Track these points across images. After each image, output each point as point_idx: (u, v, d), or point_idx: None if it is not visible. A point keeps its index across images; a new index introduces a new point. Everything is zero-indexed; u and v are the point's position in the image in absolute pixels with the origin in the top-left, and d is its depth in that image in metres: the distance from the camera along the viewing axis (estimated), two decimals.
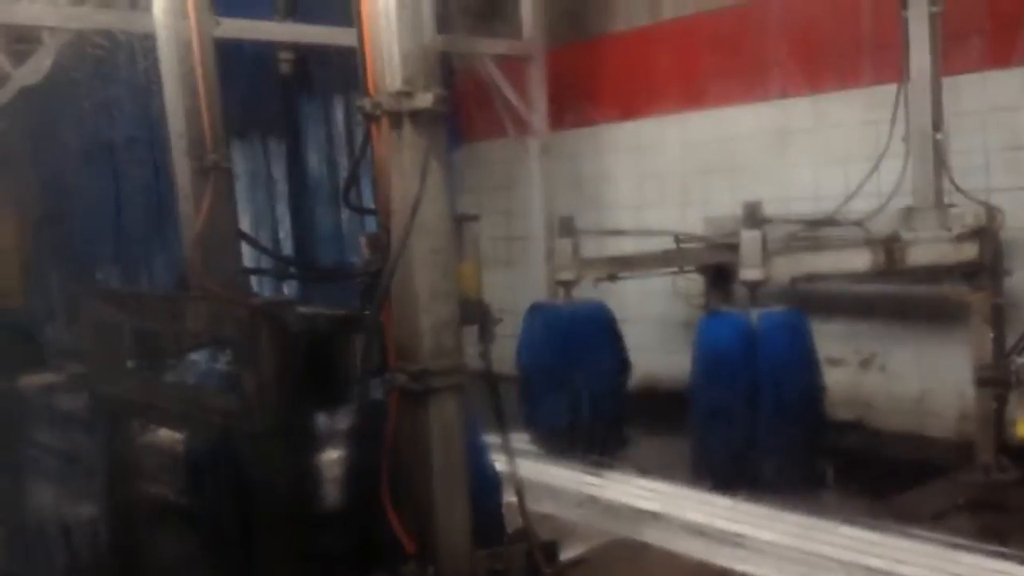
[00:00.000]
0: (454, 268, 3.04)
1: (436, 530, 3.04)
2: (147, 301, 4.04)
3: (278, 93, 7.17)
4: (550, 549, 3.49)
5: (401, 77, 2.83)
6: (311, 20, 6.66)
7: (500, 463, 4.01)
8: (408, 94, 2.83)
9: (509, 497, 4.00)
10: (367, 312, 3.32)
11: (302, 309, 3.50)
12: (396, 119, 2.85)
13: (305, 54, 7.14)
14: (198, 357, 4.38)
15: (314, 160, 7.45)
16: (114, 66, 5.53)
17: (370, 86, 2.91)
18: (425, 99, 2.82)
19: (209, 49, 3.38)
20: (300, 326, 3.31)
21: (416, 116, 2.84)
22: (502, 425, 3.31)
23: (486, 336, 3.17)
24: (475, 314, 3.13)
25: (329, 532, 3.37)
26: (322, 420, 3.58)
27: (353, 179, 3.33)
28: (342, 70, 7.27)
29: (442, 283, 2.98)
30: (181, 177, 3.52)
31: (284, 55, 6.97)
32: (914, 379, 6.67)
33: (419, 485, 3.07)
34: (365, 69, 2.90)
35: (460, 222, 3.08)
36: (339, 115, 7.43)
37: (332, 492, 3.65)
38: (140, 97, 5.38)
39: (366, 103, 2.91)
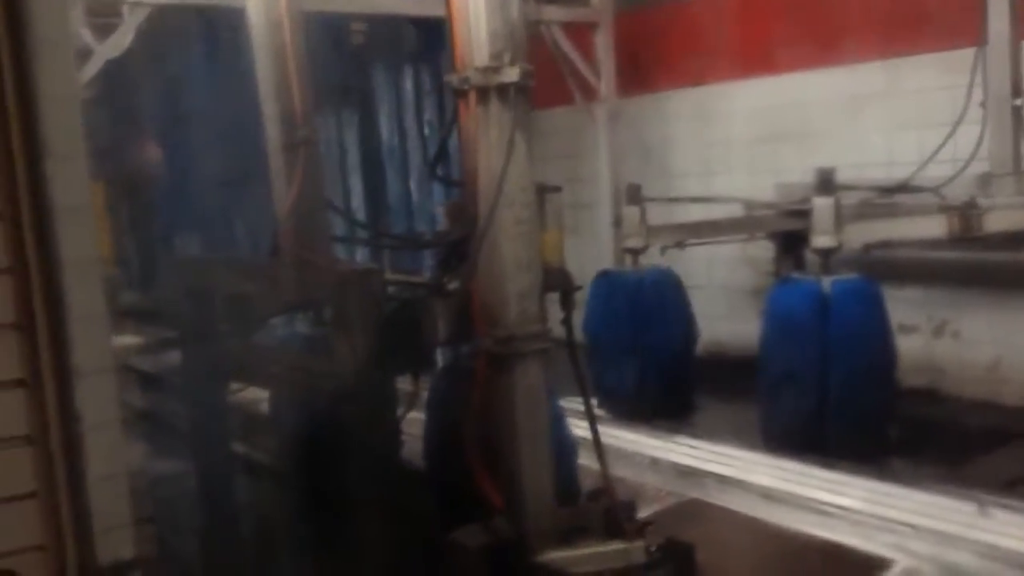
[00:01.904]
0: (537, 237, 3.12)
1: (522, 488, 3.16)
2: (240, 267, 4.20)
3: (350, 64, 7.28)
4: (628, 508, 3.58)
5: (488, 52, 2.91)
6: None
7: (576, 427, 4.14)
8: (495, 69, 2.91)
9: (582, 460, 4.13)
10: (449, 280, 3.45)
11: (388, 276, 3.63)
12: (483, 94, 2.94)
13: (376, 25, 7.23)
14: (284, 321, 4.57)
15: (384, 130, 7.55)
16: (195, 39, 5.68)
17: (457, 61, 3.00)
18: (512, 73, 2.90)
19: (299, 24, 3.49)
20: (388, 292, 3.44)
21: (503, 90, 2.92)
22: (584, 390, 3.40)
23: (568, 303, 3.26)
24: (558, 282, 3.22)
25: (417, 489, 3.51)
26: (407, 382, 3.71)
27: (441, 152, 3.42)
28: (411, 41, 7.38)
29: (526, 252, 3.07)
30: (273, 150, 3.64)
31: (356, 26, 7.07)
32: (987, 346, 6.61)
33: (505, 445, 3.19)
34: (453, 44, 2.98)
35: (543, 192, 3.16)
36: (408, 85, 7.51)
37: (420, 451, 3.80)
38: (221, 71, 5.53)
39: (454, 78, 3.00)
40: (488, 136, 2.94)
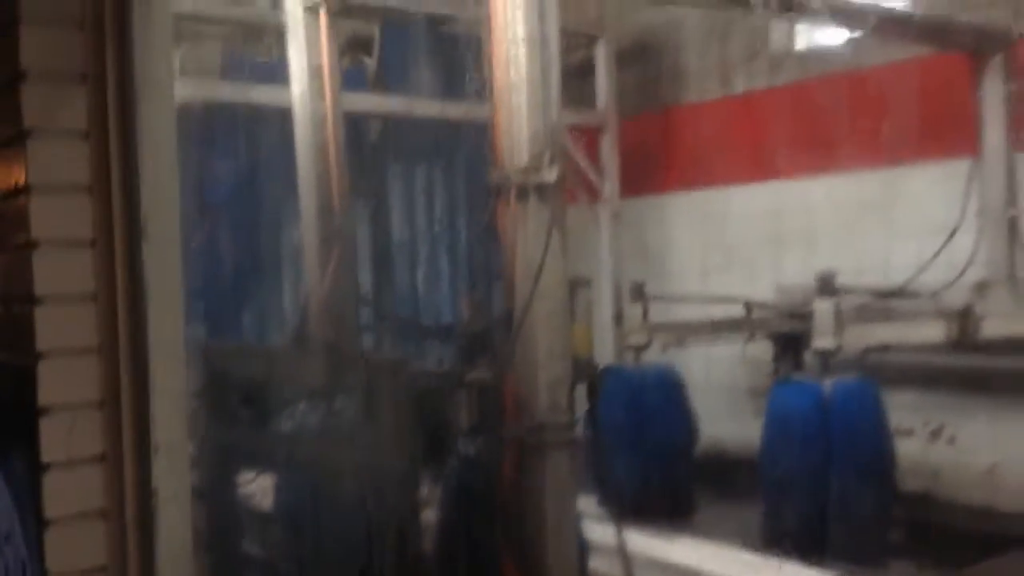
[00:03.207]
0: (569, 329, 3.24)
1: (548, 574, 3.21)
2: (266, 354, 4.29)
3: (366, 159, 7.48)
4: None
5: (529, 152, 3.09)
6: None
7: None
8: (535, 169, 3.08)
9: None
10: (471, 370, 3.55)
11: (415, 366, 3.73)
12: (522, 192, 3.10)
13: (392, 124, 7.47)
14: (304, 408, 4.62)
15: (395, 225, 7.72)
16: (225, 132, 5.87)
17: (498, 160, 3.16)
18: (550, 174, 3.07)
19: (340, 124, 3.67)
20: (418, 382, 3.53)
21: (541, 189, 3.09)
22: (606, 487, 3.47)
23: (595, 394, 3.36)
24: (586, 373, 3.33)
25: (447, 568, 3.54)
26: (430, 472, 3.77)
27: (477, 248, 3.57)
28: (423, 139, 7.62)
29: (559, 343, 3.19)
30: (308, 240, 3.78)
31: (374, 124, 7.30)
32: (984, 452, 6.69)
33: (533, 535, 3.24)
34: (495, 144, 3.16)
35: (575, 286, 3.29)
36: (419, 183, 7.72)
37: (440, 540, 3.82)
38: (239, 165, 5.72)
39: (495, 175, 3.16)
40: (526, 231, 3.08)
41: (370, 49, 7.12)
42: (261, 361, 4.21)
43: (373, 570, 3.59)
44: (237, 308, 6.03)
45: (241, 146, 5.68)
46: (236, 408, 4.30)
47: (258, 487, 4.80)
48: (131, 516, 2.01)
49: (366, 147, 6.93)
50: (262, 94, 5.34)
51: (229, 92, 5.61)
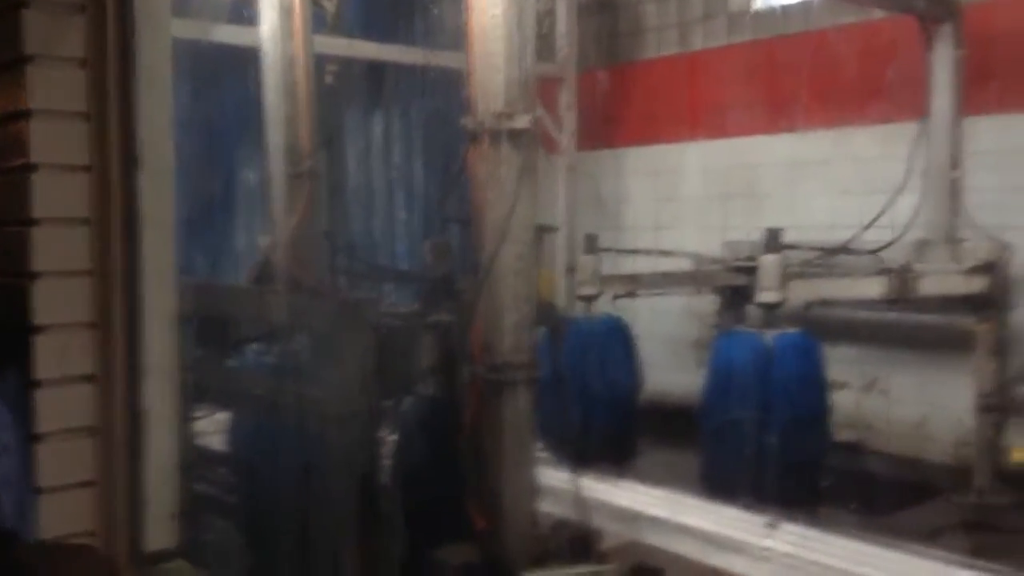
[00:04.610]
0: (535, 274, 3.35)
1: (506, 509, 3.35)
2: (230, 291, 4.32)
3: (322, 103, 7.44)
4: (594, 537, 3.80)
5: (504, 99, 3.16)
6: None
7: None
8: (508, 115, 3.15)
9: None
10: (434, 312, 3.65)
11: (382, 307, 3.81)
12: (496, 137, 3.18)
13: (348, 67, 7.43)
14: (259, 346, 4.67)
15: (351, 170, 7.72)
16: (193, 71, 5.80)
17: (473, 106, 3.23)
18: (523, 120, 3.15)
19: (310, 64, 3.69)
20: (383, 322, 3.62)
21: (514, 136, 3.17)
22: (569, 423, 3.61)
23: (557, 337, 3.48)
24: (549, 316, 3.45)
25: (403, 504, 3.66)
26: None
27: (449, 191, 3.65)
28: (383, 86, 7.60)
29: (524, 286, 3.30)
30: (276, 181, 3.81)
31: (329, 67, 7.25)
32: (914, 404, 7.01)
33: (492, 468, 3.38)
34: (469, 90, 3.22)
35: (542, 232, 3.38)
36: (378, 129, 7.71)
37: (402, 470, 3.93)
38: (205, 103, 5.66)
39: (469, 121, 3.24)
40: (498, 176, 3.17)
41: None
42: (225, 298, 4.25)
43: (333, 508, 3.69)
44: (201, 245, 6.02)
45: (208, 85, 5.63)
46: (200, 344, 4.33)
47: (213, 424, 4.86)
48: (120, 435, 2.09)
49: (324, 89, 6.90)
50: (230, 33, 5.30)
51: (196, 30, 5.55)
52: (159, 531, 2.15)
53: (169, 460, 2.14)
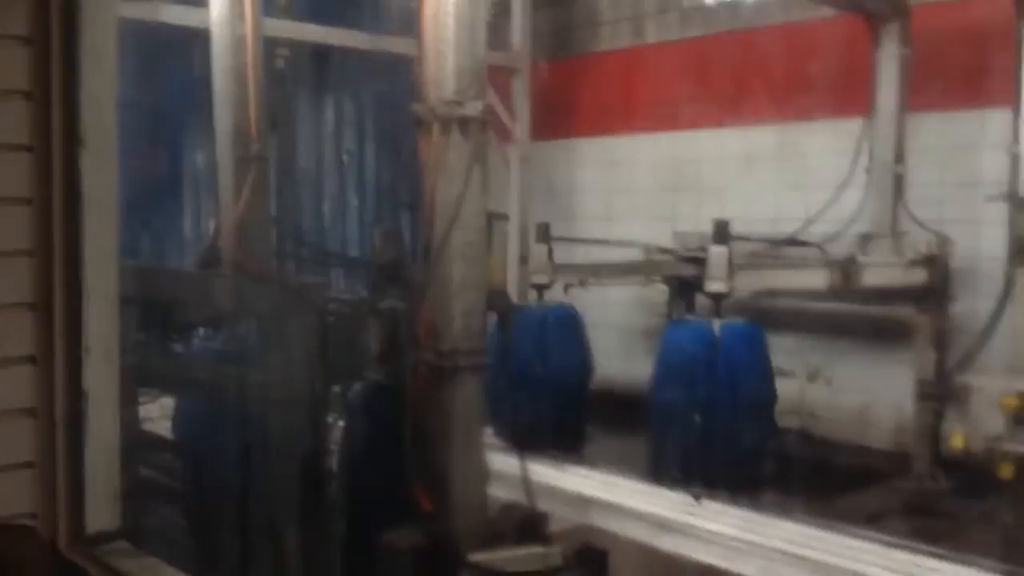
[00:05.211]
0: (485, 260, 3.37)
1: (455, 492, 3.38)
2: (175, 276, 4.28)
3: (272, 87, 7.37)
4: (542, 519, 3.84)
5: (454, 87, 3.17)
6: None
7: None
8: (459, 103, 3.17)
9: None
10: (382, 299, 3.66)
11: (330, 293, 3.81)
12: (446, 125, 3.19)
13: (299, 51, 7.37)
14: (205, 331, 4.64)
15: (301, 155, 7.66)
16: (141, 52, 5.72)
17: (424, 93, 3.24)
18: (474, 108, 3.17)
19: (260, 47, 3.67)
20: (331, 308, 3.62)
21: (465, 123, 3.18)
22: (515, 412, 3.64)
23: (507, 323, 3.51)
24: (499, 302, 3.47)
25: (352, 488, 3.67)
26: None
27: (400, 177, 3.65)
28: (333, 70, 7.54)
29: (474, 273, 3.32)
30: (223, 164, 3.79)
31: (280, 51, 7.18)
32: (857, 393, 7.16)
33: (440, 452, 3.40)
34: (421, 76, 3.23)
35: (492, 219, 3.40)
36: (329, 114, 7.66)
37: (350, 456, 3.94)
38: (161, 86, 5.58)
39: (419, 108, 3.24)
40: (448, 164, 3.18)
41: None
42: (171, 282, 4.21)
43: (278, 492, 3.69)
44: (150, 229, 5.95)
45: (156, 66, 5.55)
46: (145, 329, 4.29)
47: (159, 409, 4.82)
48: (61, 416, 2.08)
49: (274, 74, 6.84)
50: (178, 14, 5.22)
51: (145, 11, 5.47)
52: (101, 512, 2.14)
53: (110, 441, 2.13)
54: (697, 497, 4.73)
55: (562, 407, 7.00)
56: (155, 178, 5.94)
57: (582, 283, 7.01)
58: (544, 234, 6.93)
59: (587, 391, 7.15)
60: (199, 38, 3.94)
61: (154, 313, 4.44)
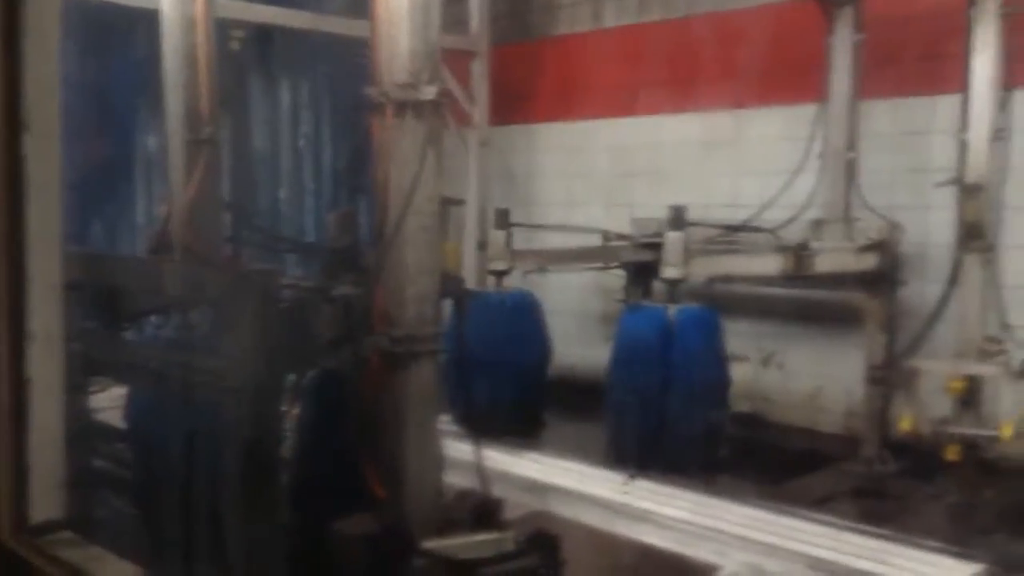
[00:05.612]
0: (439, 245, 3.36)
1: (409, 479, 3.37)
2: (124, 262, 4.21)
3: (226, 69, 7.27)
4: (496, 505, 3.86)
5: (408, 70, 3.15)
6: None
7: None
8: (413, 86, 3.15)
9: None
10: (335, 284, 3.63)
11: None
12: (400, 108, 3.17)
13: (254, 33, 7.27)
14: (156, 319, 4.57)
15: (256, 138, 7.57)
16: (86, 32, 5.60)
17: (377, 76, 3.21)
18: (428, 92, 3.14)
19: (211, 28, 3.61)
20: (284, 294, 3.59)
21: (418, 107, 3.16)
22: (469, 398, 3.65)
23: (462, 309, 3.50)
24: (454, 288, 3.46)
25: (305, 477, 3.65)
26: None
27: (355, 161, 3.62)
28: (290, 52, 7.45)
29: (429, 258, 3.30)
30: (174, 147, 3.73)
31: (235, 33, 7.08)
32: (809, 377, 7.27)
33: (394, 439, 3.39)
34: (374, 59, 3.20)
35: (447, 204, 3.39)
36: (286, 97, 7.57)
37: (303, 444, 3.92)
38: (110, 67, 5.47)
39: (373, 91, 3.21)
40: (401, 148, 3.16)
41: None
42: (120, 269, 4.14)
43: (230, 482, 3.65)
44: (100, 213, 5.85)
45: (104, 46, 5.44)
46: (94, 316, 4.22)
47: (109, 398, 4.75)
48: (3, 405, 2.04)
49: (222, 55, 6.73)
50: None
51: None
52: (45, 502, 2.11)
53: (55, 430, 2.09)
54: (632, 477, 4.80)
55: (520, 393, 7.01)
56: (105, 162, 5.83)
57: (541, 269, 7.03)
58: (503, 220, 6.92)
59: (546, 377, 7.17)
60: (148, 17, 3.86)
61: (104, 300, 4.38)
